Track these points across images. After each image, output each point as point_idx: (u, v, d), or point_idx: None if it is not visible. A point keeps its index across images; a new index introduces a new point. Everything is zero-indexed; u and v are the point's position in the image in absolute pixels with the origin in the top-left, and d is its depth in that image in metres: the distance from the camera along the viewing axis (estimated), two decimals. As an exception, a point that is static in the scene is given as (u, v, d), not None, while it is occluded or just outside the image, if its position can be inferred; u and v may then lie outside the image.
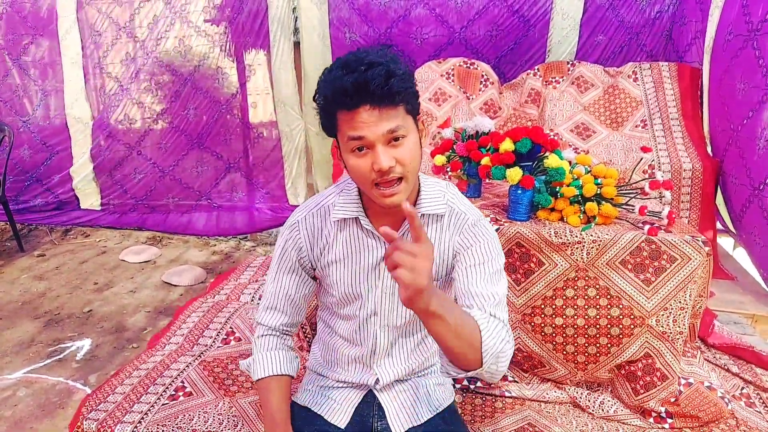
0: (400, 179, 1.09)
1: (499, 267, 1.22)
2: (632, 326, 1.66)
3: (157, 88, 4.09)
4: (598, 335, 1.70)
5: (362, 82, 1.02)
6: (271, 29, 3.78)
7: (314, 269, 1.32)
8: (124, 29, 4.03)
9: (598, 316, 1.69)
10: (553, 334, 1.75)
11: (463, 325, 1.00)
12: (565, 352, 1.75)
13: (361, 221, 1.23)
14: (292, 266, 1.31)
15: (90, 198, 4.45)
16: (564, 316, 1.72)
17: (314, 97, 1.13)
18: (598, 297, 1.69)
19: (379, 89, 1.02)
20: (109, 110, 4.23)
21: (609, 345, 1.70)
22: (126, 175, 4.32)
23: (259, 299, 1.48)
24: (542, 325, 1.75)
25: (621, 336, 1.68)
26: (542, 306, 1.74)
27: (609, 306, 1.68)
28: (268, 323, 1.34)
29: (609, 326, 1.69)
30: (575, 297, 1.71)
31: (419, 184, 1.23)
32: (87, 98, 4.24)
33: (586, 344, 1.72)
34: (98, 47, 4.13)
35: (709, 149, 3.01)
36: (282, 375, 1.30)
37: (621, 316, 1.67)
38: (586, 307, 1.70)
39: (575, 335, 1.72)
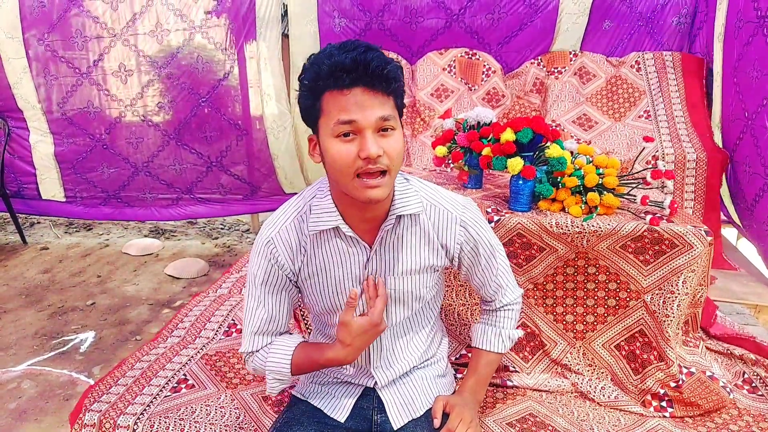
0: (383, 173, 1.05)
1: (497, 243, 1.33)
2: (628, 299, 1.71)
3: (126, 76, 3.74)
4: (596, 306, 1.75)
5: (362, 60, 0.99)
6: (258, 15, 3.57)
7: (296, 283, 1.28)
8: (74, 2, 3.60)
9: (596, 289, 1.74)
10: (554, 305, 1.78)
11: (493, 369, 1.42)
12: (565, 322, 1.79)
13: (342, 229, 1.18)
14: (278, 285, 1.25)
15: (50, 186, 4.06)
16: (564, 289, 1.76)
17: (300, 76, 1.08)
18: (597, 273, 1.73)
19: (378, 70, 1.00)
20: (62, 95, 3.80)
21: (606, 315, 1.75)
22: (93, 168, 3.94)
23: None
24: (543, 297, 1.78)
25: (617, 307, 1.73)
26: (544, 282, 1.77)
27: (607, 281, 1.72)
28: (257, 348, 1.28)
29: (606, 298, 1.73)
30: (575, 273, 1.74)
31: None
32: (32, 79, 3.78)
33: (585, 313, 1.77)
34: (40, 22, 3.65)
35: (719, 138, 2.98)
36: (297, 344, 1.26)
37: (618, 290, 1.71)
38: (585, 281, 1.74)
39: (574, 305, 1.77)
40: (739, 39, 2.66)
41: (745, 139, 2.63)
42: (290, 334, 1.33)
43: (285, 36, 3.66)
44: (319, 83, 1.03)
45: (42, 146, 3.94)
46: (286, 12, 3.60)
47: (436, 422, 1.28)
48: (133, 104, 3.78)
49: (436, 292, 1.38)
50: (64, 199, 4.05)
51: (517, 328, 1.43)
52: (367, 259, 1.22)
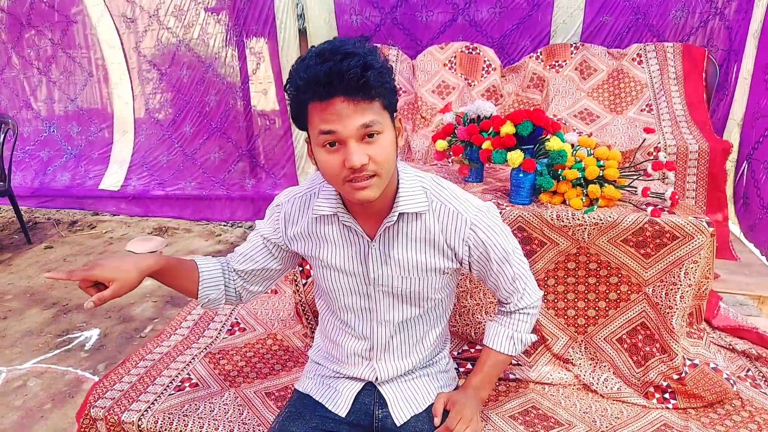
0: (373, 175, 1.04)
1: (513, 249, 1.26)
2: (629, 292, 1.71)
3: (185, 76, 4.32)
4: (597, 300, 1.75)
5: (337, 72, 0.96)
6: (278, 16, 3.83)
7: (288, 250, 1.33)
8: (154, 17, 4.24)
9: (597, 283, 1.74)
10: (555, 300, 1.78)
11: (502, 369, 1.41)
12: (566, 317, 1.79)
13: (341, 217, 1.19)
14: (266, 235, 1.32)
15: (112, 178, 4.65)
16: (566, 284, 1.76)
17: (285, 86, 1.07)
18: (598, 269, 1.72)
19: (355, 81, 0.97)
20: (148, 94, 4.50)
21: (607, 308, 1.75)
22: (156, 157, 4.57)
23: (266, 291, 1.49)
24: (545, 293, 1.78)
25: (618, 300, 1.73)
26: (545, 278, 1.77)
27: (608, 275, 1.72)
28: (225, 259, 1.37)
29: (607, 291, 1.74)
30: (576, 269, 1.74)
31: (398, 180, 1.17)
32: (130, 80, 4.52)
33: (586, 308, 1.77)
34: (133, 33, 4.37)
35: (738, 131, 2.96)
36: (196, 267, 1.32)
37: (619, 283, 1.72)
38: (587, 276, 1.74)
39: (576, 299, 1.77)
40: None
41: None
42: (225, 286, 1.36)
43: (301, 31, 3.91)
44: (301, 95, 1.02)
45: (122, 143, 4.67)
46: (299, 9, 3.85)
47: (436, 420, 1.28)
48: (193, 99, 4.34)
49: (447, 294, 1.34)
50: (118, 188, 4.62)
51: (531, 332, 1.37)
52: (368, 252, 1.21)
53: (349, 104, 0.99)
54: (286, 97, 1.08)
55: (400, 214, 1.17)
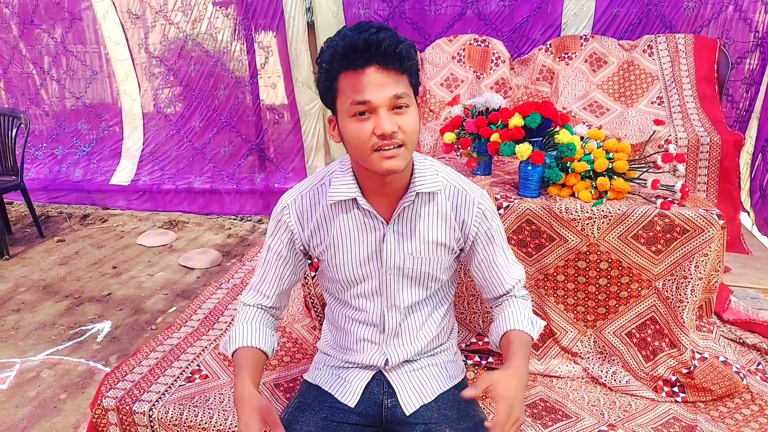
0: (400, 145, 1.08)
1: (505, 237, 1.33)
2: (639, 288, 1.71)
3: (193, 71, 4.35)
4: (607, 299, 1.75)
5: (374, 40, 1.02)
6: (286, 9, 3.85)
7: (307, 252, 1.33)
8: (161, 12, 4.26)
9: (609, 284, 1.73)
10: (565, 296, 1.78)
11: (529, 352, 1.30)
12: (575, 312, 1.79)
13: (359, 201, 1.21)
14: (282, 249, 1.29)
15: (123, 174, 4.67)
16: (576, 282, 1.75)
17: (317, 58, 1.12)
18: (609, 269, 1.71)
19: (391, 49, 1.03)
20: (156, 89, 4.53)
21: (617, 305, 1.75)
22: (166, 152, 4.59)
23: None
24: (554, 288, 1.78)
25: (629, 297, 1.73)
26: (554, 274, 1.76)
27: (620, 276, 1.71)
28: (251, 303, 1.33)
29: (618, 291, 1.73)
30: (587, 268, 1.73)
31: (413, 161, 1.21)
32: (136, 77, 4.52)
33: (596, 306, 1.76)
34: (139, 29, 4.40)
35: (755, 123, 2.93)
36: (257, 349, 1.24)
37: (630, 282, 1.71)
38: (598, 277, 1.73)
39: (586, 298, 1.76)
40: None
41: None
42: (276, 332, 1.34)
43: (309, 25, 3.92)
44: (334, 64, 1.07)
45: (131, 138, 4.69)
46: (310, 3, 3.86)
47: (469, 392, 1.09)
48: (201, 93, 4.37)
49: (452, 275, 1.37)
50: (128, 183, 4.63)
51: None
52: (384, 235, 1.24)
53: (383, 73, 1.05)
54: (316, 70, 1.12)
55: (416, 194, 1.21)
